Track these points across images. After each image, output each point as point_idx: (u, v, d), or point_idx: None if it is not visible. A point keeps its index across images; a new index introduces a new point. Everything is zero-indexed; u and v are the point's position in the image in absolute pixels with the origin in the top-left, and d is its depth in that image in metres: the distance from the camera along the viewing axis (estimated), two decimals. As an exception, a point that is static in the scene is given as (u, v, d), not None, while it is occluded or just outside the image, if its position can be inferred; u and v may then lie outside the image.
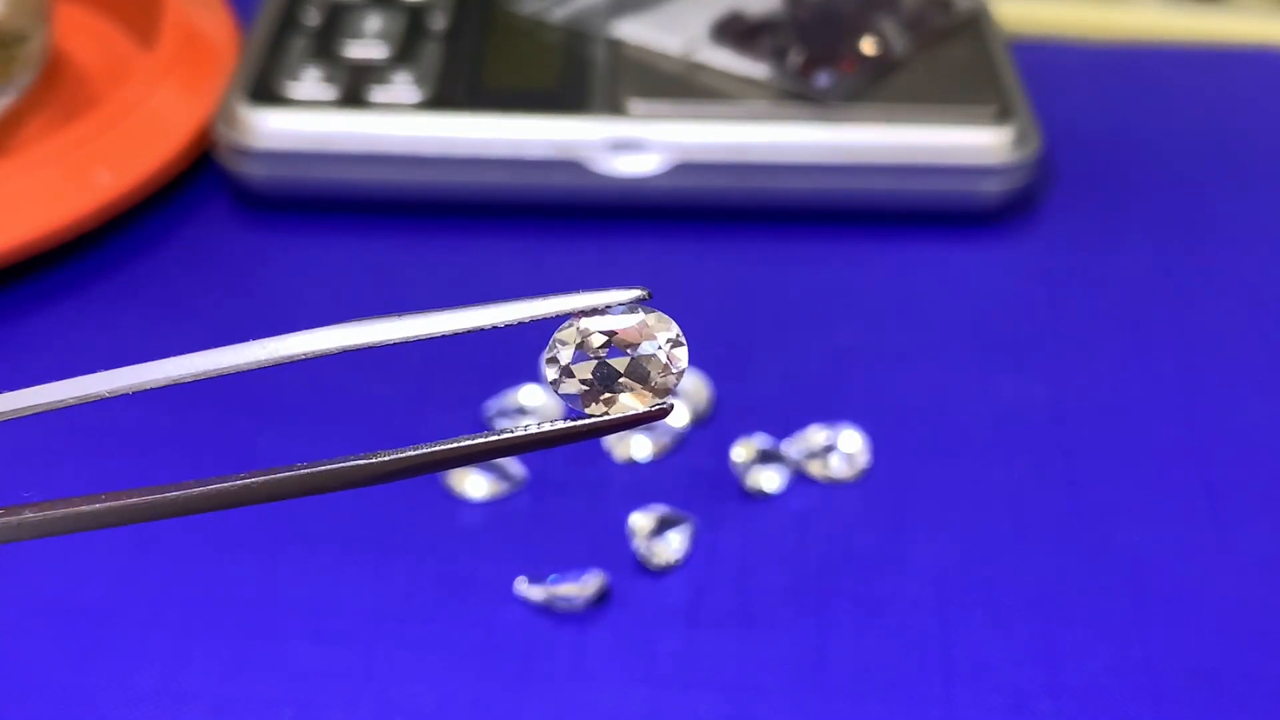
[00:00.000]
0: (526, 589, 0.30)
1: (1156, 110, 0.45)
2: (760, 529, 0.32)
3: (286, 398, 0.35)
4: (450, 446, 0.20)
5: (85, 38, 0.45)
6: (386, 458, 0.20)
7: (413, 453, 0.20)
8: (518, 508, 0.32)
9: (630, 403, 0.20)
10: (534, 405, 0.34)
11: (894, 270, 0.39)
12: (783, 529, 0.32)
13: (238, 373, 0.19)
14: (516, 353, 0.35)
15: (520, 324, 0.20)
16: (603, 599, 0.30)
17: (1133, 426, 0.35)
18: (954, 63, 0.42)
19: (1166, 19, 0.49)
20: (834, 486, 0.33)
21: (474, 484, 0.33)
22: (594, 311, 0.20)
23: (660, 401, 0.20)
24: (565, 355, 0.20)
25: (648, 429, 0.34)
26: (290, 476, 0.20)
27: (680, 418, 0.34)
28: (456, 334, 0.20)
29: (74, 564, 0.31)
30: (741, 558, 0.31)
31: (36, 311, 0.37)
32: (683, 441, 0.34)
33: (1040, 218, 0.41)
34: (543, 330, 0.20)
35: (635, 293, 0.20)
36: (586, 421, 0.20)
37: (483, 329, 0.20)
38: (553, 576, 0.30)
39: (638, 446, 0.33)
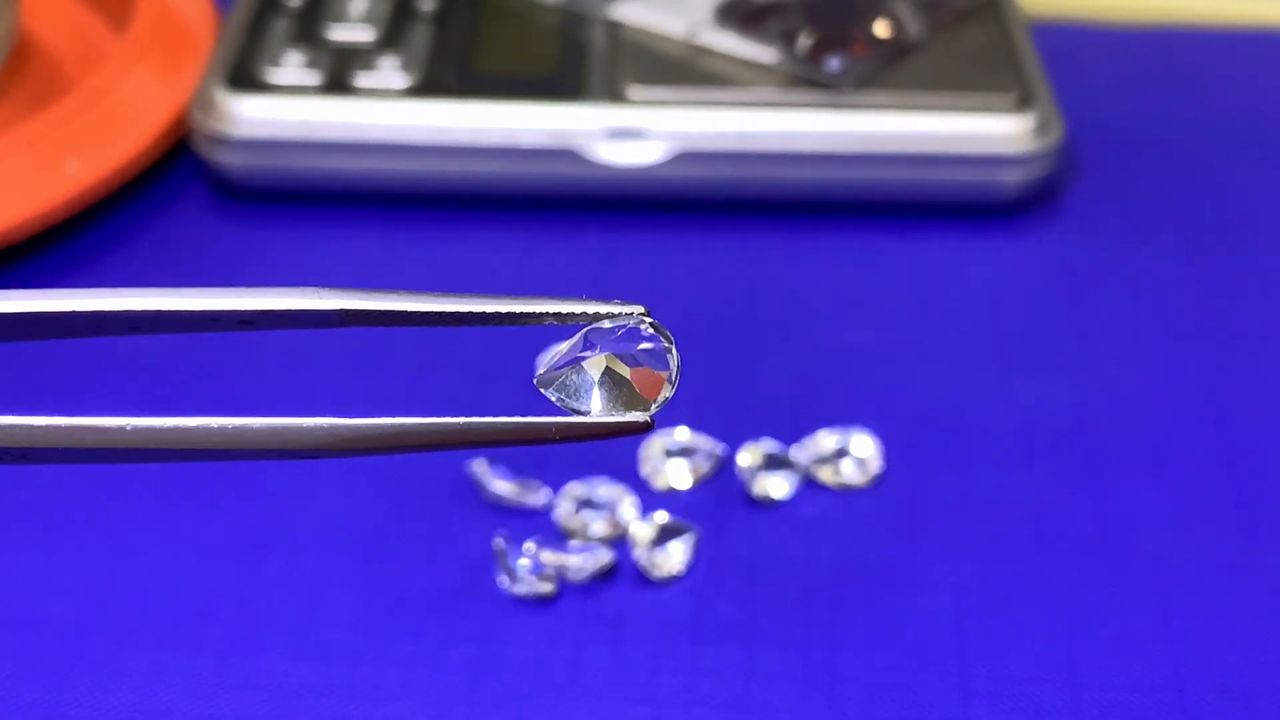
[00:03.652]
0: (536, 552, 0.30)
1: (1184, 96, 0.45)
2: (767, 538, 0.32)
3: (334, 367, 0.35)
4: (423, 426, 0.20)
5: (55, 20, 0.45)
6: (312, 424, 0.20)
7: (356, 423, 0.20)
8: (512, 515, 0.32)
9: (614, 413, 0.21)
10: None
11: (908, 265, 0.39)
12: (791, 538, 0.32)
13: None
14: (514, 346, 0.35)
15: (513, 320, 0.20)
16: (608, 574, 0.31)
17: (1159, 429, 0.35)
18: (972, 46, 0.42)
19: (1194, 0, 0.49)
20: (845, 493, 0.33)
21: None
22: (589, 318, 0.20)
23: (644, 417, 0.21)
24: (558, 362, 0.21)
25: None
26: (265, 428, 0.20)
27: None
28: (442, 321, 0.20)
29: (43, 576, 0.31)
30: (748, 569, 0.31)
31: (3, 309, 0.37)
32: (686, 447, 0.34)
33: (1062, 209, 0.41)
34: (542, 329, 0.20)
35: (634, 308, 0.21)
36: (564, 420, 0.20)
37: (470, 324, 0.20)
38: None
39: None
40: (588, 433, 0.21)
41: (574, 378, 0.21)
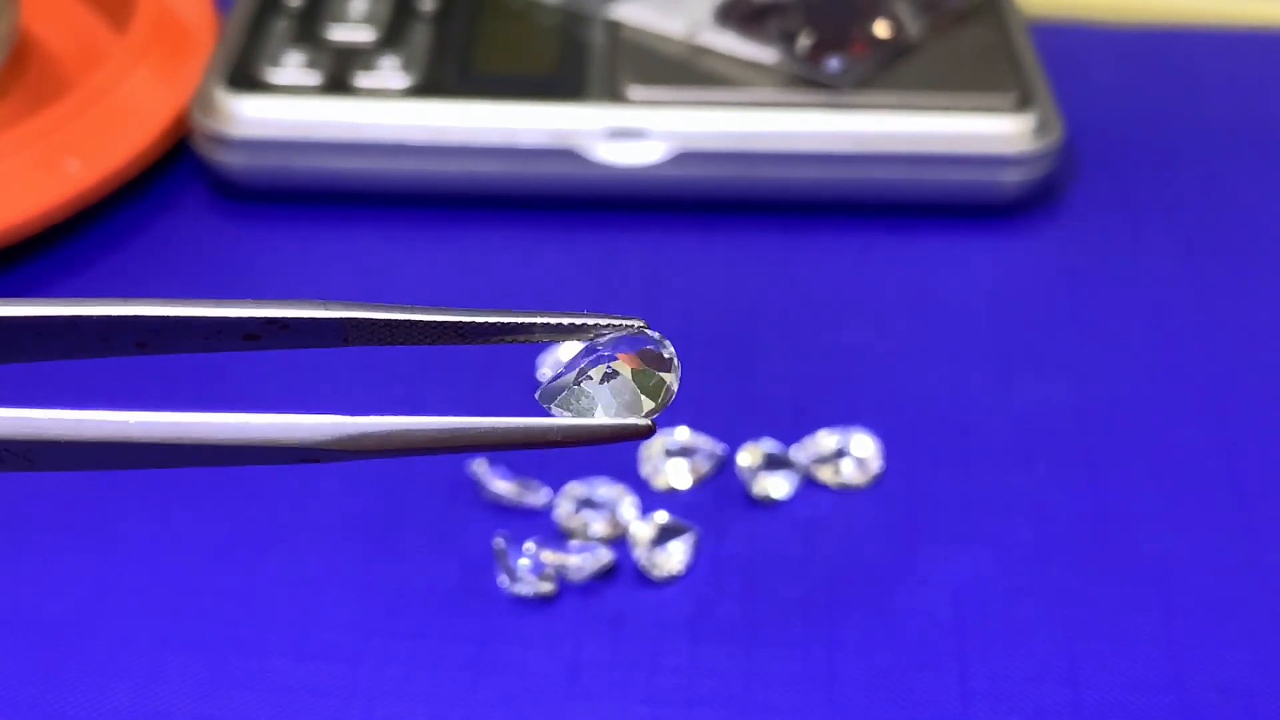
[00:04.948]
0: (536, 552, 0.30)
1: (1185, 96, 0.45)
2: (767, 538, 0.32)
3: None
4: (424, 429, 0.20)
5: (55, 20, 0.45)
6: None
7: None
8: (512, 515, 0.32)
9: (614, 418, 0.21)
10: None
11: (908, 265, 0.39)
12: (791, 538, 0.32)
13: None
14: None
15: (514, 333, 0.20)
16: (608, 574, 0.31)
17: (1159, 430, 0.35)
18: (971, 46, 0.42)
19: (1194, 0, 0.49)
20: (845, 493, 0.33)
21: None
22: (589, 331, 0.21)
23: (646, 421, 0.21)
24: (559, 370, 0.21)
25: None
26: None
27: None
28: (445, 340, 0.20)
29: (43, 577, 0.31)
30: (747, 569, 0.31)
31: (3, 309, 0.37)
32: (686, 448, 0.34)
33: (1062, 210, 0.41)
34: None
35: (633, 321, 0.21)
36: (566, 422, 0.21)
37: (473, 341, 0.20)
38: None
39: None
40: (589, 436, 0.21)
41: (575, 384, 0.21)
